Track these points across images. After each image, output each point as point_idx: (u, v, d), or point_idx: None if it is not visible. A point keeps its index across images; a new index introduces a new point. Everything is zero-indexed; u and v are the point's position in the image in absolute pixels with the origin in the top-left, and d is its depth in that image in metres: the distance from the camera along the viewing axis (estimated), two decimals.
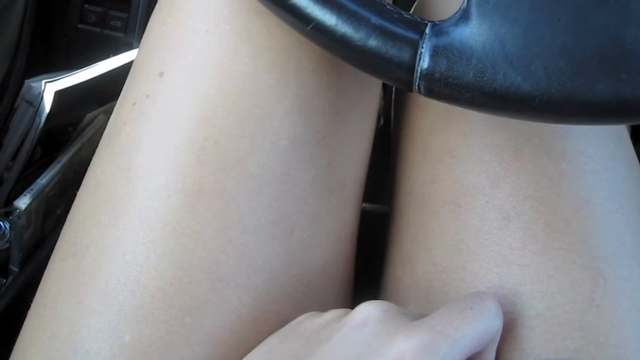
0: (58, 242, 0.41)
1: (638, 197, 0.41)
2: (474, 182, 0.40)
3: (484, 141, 0.41)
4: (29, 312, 0.40)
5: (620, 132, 0.43)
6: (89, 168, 0.42)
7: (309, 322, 0.35)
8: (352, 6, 0.32)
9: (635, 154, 0.43)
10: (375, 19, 0.32)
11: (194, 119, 0.38)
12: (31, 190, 0.64)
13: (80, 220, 0.40)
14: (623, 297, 0.38)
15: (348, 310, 0.34)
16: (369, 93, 0.44)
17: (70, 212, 0.42)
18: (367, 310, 0.33)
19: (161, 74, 0.40)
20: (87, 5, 0.77)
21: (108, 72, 0.67)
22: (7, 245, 0.64)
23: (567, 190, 0.39)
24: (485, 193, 0.40)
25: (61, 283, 0.39)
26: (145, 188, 0.38)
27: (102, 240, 0.38)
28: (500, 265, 0.38)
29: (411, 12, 0.53)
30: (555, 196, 0.39)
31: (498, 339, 0.35)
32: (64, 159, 0.66)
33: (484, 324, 0.33)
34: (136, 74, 0.42)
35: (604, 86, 0.30)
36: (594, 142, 0.41)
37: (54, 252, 0.41)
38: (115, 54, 0.69)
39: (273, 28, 0.39)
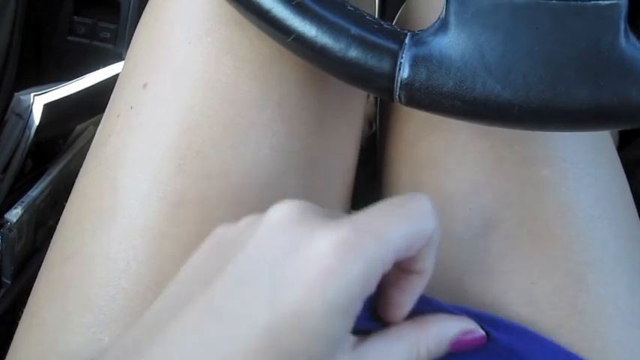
0: (47, 251, 0.42)
1: (621, 202, 0.42)
2: (457, 190, 0.40)
3: (466, 149, 0.41)
4: (20, 320, 0.41)
5: (602, 137, 0.43)
6: (77, 179, 0.42)
7: (223, 233, 0.32)
8: (332, 17, 0.32)
9: (618, 159, 0.44)
10: (354, 30, 0.32)
11: (177, 129, 0.39)
12: (22, 202, 0.64)
13: (68, 229, 0.41)
14: (606, 302, 0.38)
15: (262, 214, 0.30)
16: (353, 102, 0.45)
17: (59, 222, 0.42)
18: (281, 210, 0.30)
19: (144, 86, 0.40)
20: (76, 17, 0.77)
21: (97, 83, 0.67)
22: None
23: (550, 197, 0.39)
24: (468, 200, 0.40)
25: (48, 290, 0.39)
26: (128, 197, 0.38)
27: (86, 248, 0.38)
28: (483, 272, 0.38)
29: (394, 21, 0.54)
30: (538, 202, 0.39)
31: (436, 243, 0.31)
32: (54, 171, 0.67)
33: (416, 223, 0.29)
34: (120, 86, 0.43)
35: (582, 93, 0.30)
36: (576, 148, 0.41)
37: (44, 261, 0.42)
38: (105, 65, 0.69)
39: (254, 39, 0.39)
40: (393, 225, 0.29)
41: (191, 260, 0.32)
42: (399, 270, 0.32)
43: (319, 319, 0.26)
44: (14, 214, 0.62)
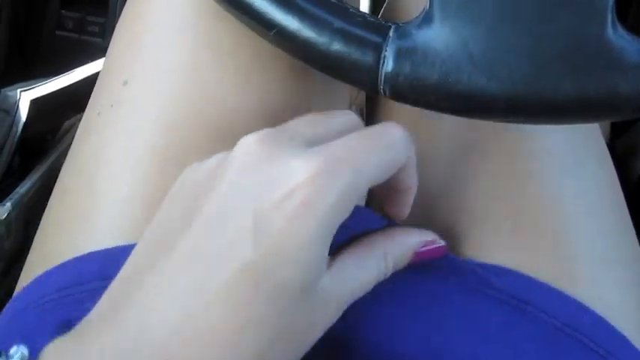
0: (30, 250, 0.41)
1: (608, 194, 0.41)
2: (444, 184, 0.40)
3: (452, 142, 0.41)
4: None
5: (589, 129, 0.43)
6: (59, 177, 0.42)
7: (193, 175, 0.31)
8: (315, 10, 0.32)
9: (606, 150, 0.43)
10: (338, 23, 0.31)
11: (157, 128, 0.38)
12: (11, 199, 0.63)
13: (49, 228, 0.40)
14: (593, 297, 0.37)
15: (229, 152, 0.30)
16: (338, 96, 0.44)
17: (42, 220, 0.42)
18: (249, 146, 0.29)
19: (125, 83, 0.39)
20: (64, 11, 0.76)
21: (85, 78, 0.66)
22: None
23: (536, 190, 0.39)
24: (454, 194, 0.40)
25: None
26: (109, 198, 0.38)
27: (68, 249, 0.38)
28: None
29: (380, 13, 0.53)
30: (524, 196, 0.39)
31: (413, 166, 0.33)
32: (43, 167, 0.66)
33: (390, 152, 0.30)
34: (101, 83, 0.42)
35: (568, 86, 0.30)
36: (563, 141, 0.41)
37: (27, 260, 0.41)
38: (93, 60, 0.69)
39: (236, 33, 0.39)
40: (367, 154, 0.29)
41: (164, 205, 0.32)
42: (387, 187, 0.33)
43: (303, 248, 0.27)
44: (2, 211, 0.62)
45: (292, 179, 0.27)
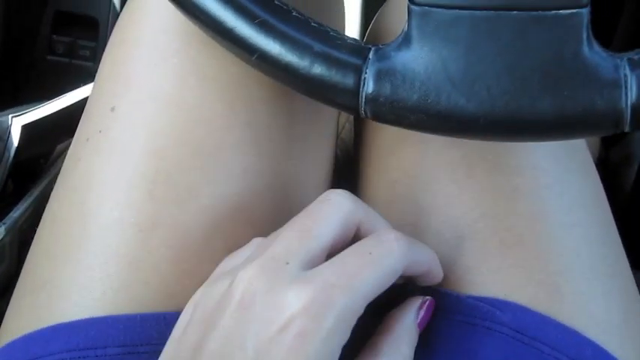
0: (19, 279, 0.41)
1: (594, 208, 0.42)
2: (430, 202, 0.40)
3: (438, 160, 0.41)
4: None
5: (575, 143, 0.43)
6: (48, 203, 0.42)
7: (202, 302, 0.33)
8: (295, 34, 0.32)
9: (592, 164, 0.43)
10: (317, 47, 0.32)
11: (145, 153, 0.38)
12: (4, 223, 0.63)
13: (38, 256, 0.40)
14: (580, 311, 0.38)
15: (233, 277, 0.32)
16: (323, 117, 0.44)
17: (31, 248, 0.42)
18: (247, 276, 0.31)
19: (112, 109, 0.40)
20: (55, 36, 0.77)
21: (77, 102, 0.67)
22: None
23: (522, 206, 0.39)
24: (440, 212, 0.40)
25: (19, 320, 0.39)
26: (99, 224, 0.38)
27: (58, 276, 0.38)
28: (455, 285, 0.38)
29: (366, 35, 0.54)
30: (510, 212, 0.39)
31: (438, 264, 0.36)
32: (36, 191, 0.66)
33: (385, 267, 0.32)
34: (89, 109, 0.42)
35: (547, 104, 0.30)
36: (548, 156, 0.41)
37: (15, 288, 0.41)
38: (85, 84, 0.69)
39: (221, 59, 0.39)
40: (361, 273, 0.31)
41: (176, 331, 0.34)
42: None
43: None
44: None
45: (287, 311, 0.29)
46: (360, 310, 0.30)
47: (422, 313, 0.36)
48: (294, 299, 0.29)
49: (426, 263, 0.35)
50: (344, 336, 0.30)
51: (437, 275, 0.36)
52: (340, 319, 0.29)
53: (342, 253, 0.32)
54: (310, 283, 0.30)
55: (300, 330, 0.29)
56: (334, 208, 0.33)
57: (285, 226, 0.34)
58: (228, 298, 0.31)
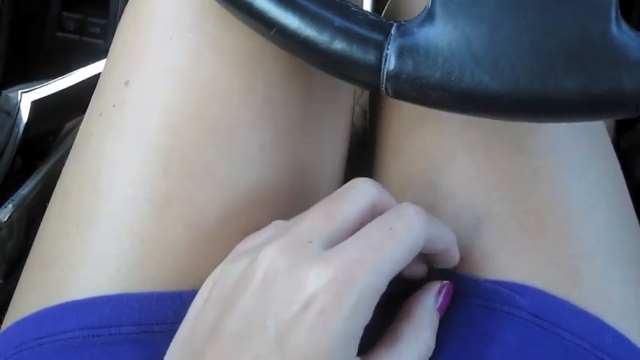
0: (29, 254, 0.41)
1: (614, 192, 0.41)
2: (448, 184, 0.40)
3: (457, 141, 0.40)
4: (1, 324, 0.40)
5: (595, 126, 0.42)
6: (59, 179, 0.42)
7: (221, 280, 0.33)
8: (315, 8, 0.31)
9: (612, 148, 0.43)
10: (338, 22, 0.31)
11: (160, 129, 0.38)
12: (12, 200, 0.63)
13: (49, 233, 0.40)
14: (599, 295, 0.37)
15: (254, 255, 0.32)
16: (340, 94, 0.44)
17: (41, 224, 0.41)
18: (269, 254, 0.31)
19: (126, 83, 0.39)
20: (65, 13, 0.76)
21: (86, 79, 0.66)
22: None
23: (541, 189, 0.39)
24: (458, 195, 0.39)
25: (29, 294, 0.39)
26: (112, 200, 0.37)
27: (70, 252, 0.38)
28: (473, 269, 0.38)
29: (383, 11, 0.53)
30: (530, 195, 0.38)
31: (455, 245, 0.35)
32: (44, 168, 0.66)
33: (407, 240, 0.31)
34: (102, 84, 0.42)
35: (572, 83, 0.29)
36: (569, 139, 0.40)
37: (26, 264, 0.41)
38: (94, 61, 0.69)
39: (238, 33, 0.39)
40: (383, 249, 0.30)
41: (194, 306, 0.34)
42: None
43: (329, 353, 0.28)
44: (4, 213, 0.62)
45: (309, 289, 0.29)
46: (383, 288, 0.30)
47: (441, 298, 0.36)
48: (316, 278, 0.29)
49: (445, 240, 0.35)
50: (366, 315, 0.30)
51: (454, 256, 0.36)
52: (362, 296, 0.29)
53: (364, 228, 0.32)
54: (332, 261, 0.29)
55: (322, 308, 0.28)
56: (360, 194, 0.33)
57: (310, 209, 0.33)
58: (249, 276, 0.31)
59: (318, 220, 0.32)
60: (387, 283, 0.30)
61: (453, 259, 0.36)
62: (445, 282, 0.37)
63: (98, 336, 0.35)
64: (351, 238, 0.31)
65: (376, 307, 0.30)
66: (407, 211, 0.32)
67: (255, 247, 0.33)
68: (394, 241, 0.31)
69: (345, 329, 0.29)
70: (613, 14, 0.29)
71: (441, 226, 0.35)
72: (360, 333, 0.29)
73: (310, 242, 0.31)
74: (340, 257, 0.30)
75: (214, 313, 0.31)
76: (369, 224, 0.32)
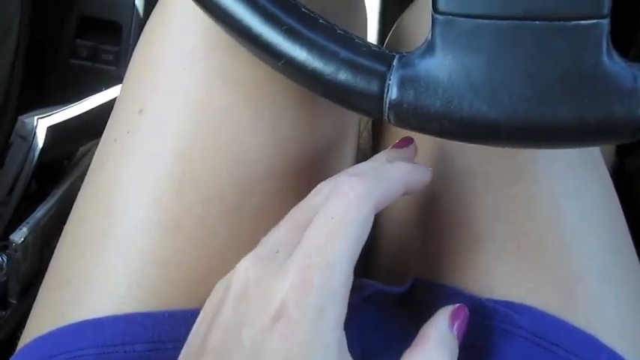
0: (46, 274, 0.42)
1: (608, 215, 0.42)
2: (447, 207, 0.41)
3: (455, 166, 0.42)
4: (19, 341, 0.41)
5: (590, 151, 0.43)
6: (75, 203, 0.43)
7: (210, 301, 0.34)
8: (322, 41, 0.33)
9: (606, 171, 0.44)
10: (343, 53, 0.33)
11: (172, 154, 0.39)
12: (27, 223, 0.65)
13: (65, 253, 0.41)
14: (595, 315, 0.38)
15: (230, 278, 0.33)
16: (346, 120, 0.45)
17: (57, 245, 0.43)
18: (242, 267, 0.32)
19: (140, 111, 0.40)
20: (78, 40, 0.78)
21: (100, 106, 0.68)
22: (5, 278, 0.65)
23: (537, 212, 0.40)
24: (457, 217, 0.40)
25: (46, 312, 0.40)
26: (125, 222, 0.39)
27: (85, 272, 0.39)
28: (473, 287, 0.39)
29: (386, 41, 0.54)
30: (527, 218, 0.40)
31: (399, 189, 0.34)
32: (59, 192, 0.68)
33: (352, 224, 0.31)
34: (117, 111, 0.43)
35: (567, 111, 0.30)
36: (564, 164, 0.41)
37: (42, 283, 0.42)
38: (107, 87, 0.70)
39: (247, 63, 0.40)
40: (331, 245, 0.30)
41: (197, 320, 0.35)
42: None
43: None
44: (19, 235, 0.63)
45: (277, 299, 0.29)
46: (345, 279, 0.30)
47: (457, 321, 0.35)
48: (279, 288, 0.30)
49: (398, 186, 0.34)
50: (336, 313, 0.30)
51: (420, 183, 0.36)
52: (324, 298, 0.29)
53: (308, 228, 0.31)
54: (289, 269, 0.30)
55: (289, 317, 0.29)
56: (323, 199, 0.33)
57: (283, 219, 0.34)
58: (227, 291, 0.32)
59: (285, 229, 0.33)
60: (347, 272, 0.30)
61: (421, 183, 0.36)
62: (457, 305, 0.36)
63: (112, 353, 0.36)
64: (300, 242, 0.31)
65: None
66: (342, 191, 0.32)
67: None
68: (339, 231, 0.30)
69: (315, 332, 0.29)
70: (604, 45, 0.30)
71: (388, 173, 0.34)
72: (336, 333, 0.30)
73: (277, 252, 0.32)
74: (293, 265, 0.30)
75: (203, 330, 0.32)
76: (312, 222, 0.32)
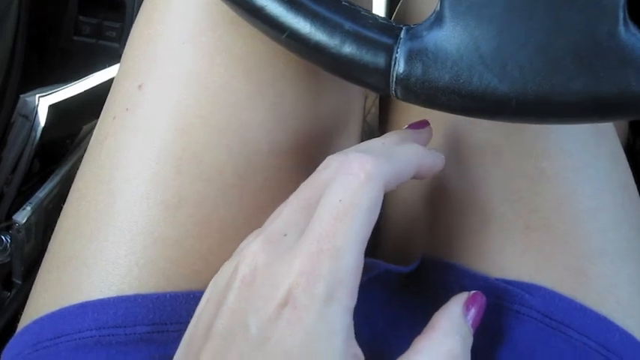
0: (45, 255, 0.42)
1: (622, 192, 0.41)
2: (456, 185, 0.40)
3: (465, 142, 0.41)
4: (19, 323, 0.41)
5: (603, 127, 0.42)
6: (74, 182, 0.42)
7: (216, 284, 0.33)
8: (326, 13, 0.32)
9: (620, 148, 0.43)
10: (348, 25, 0.31)
11: (172, 131, 0.38)
12: (30, 203, 0.64)
13: (64, 233, 0.40)
14: (606, 294, 0.37)
15: (237, 262, 0.31)
16: (350, 96, 0.44)
17: (56, 225, 0.42)
18: (250, 251, 0.30)
19: (140, 87, 0.40)
20: (81, 17, 0.77)
21: (103, 83, 0.67)
22: (9, 259, 0.65)
23: (548, 189, 0.39)
24: (466, 196, 0.40)
25: (45, 294, 0.39)
26: (125, 200, 0.38)
27: (84, 252, 0.38)
28: (480, 269, 0.38)
29: (393, 15, 0.53)
30: (536, 195, 0.39)
31: (411, 170, 0.32)
32: (61, 171, 0.67)
33: (362, 206, 0.30)
34: (116, 88, 0.42)
35: (580, 85, 0.29)
36: (576, 139, 0.40)
37: (41, 265, 0.41)
38: (111, 64, 0.70)
39: (248, 38, 0.39)
40: (341, 229, 0.29)
41: (199, 306, 0.34)
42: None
43: (308, 347, 0.28)
44: (22, 216, 0.63)
45: (284, 285, 0.29)
46: (354, 264, 0.29)
47: (473, 308, 0.34)
48: (287, 273, 0.29)
49: (412, 166, 0.33)
50: (345, 300, 0.29)
51: (433, 167, 0.34)
52: (332, 285, 0.28)
53: (316, 211, 0.30)
54: (298, 254, 0.29)
55: (296, 304, 0.28)
56: (332, 175, 0.32)
57: (289, 198, 0.33)
58: (235, 275, 0.31)
59: (293, 209, 0.32)
60: (358, 258, 0.29)
61: (432, 170, 0.35)
62: (473, 291, 0.35)
63: (113, 335, 0.36)
64: (309, 226, 0.30)
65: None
66: (351, 170, 0.30)
67: (248, 244, 0.33)
68: (349, 215, 0.29)
69: (323, 321, 0.28)
70: (621, 15, 0.29)
71: (402, 156, 0.33)
72: (345, 320, 0.29)
73: (285, 235, 0.30)
74: (303, 250, 0.29)
75: (210, 314, 0.31)
76: (321, 203, 0.30)
